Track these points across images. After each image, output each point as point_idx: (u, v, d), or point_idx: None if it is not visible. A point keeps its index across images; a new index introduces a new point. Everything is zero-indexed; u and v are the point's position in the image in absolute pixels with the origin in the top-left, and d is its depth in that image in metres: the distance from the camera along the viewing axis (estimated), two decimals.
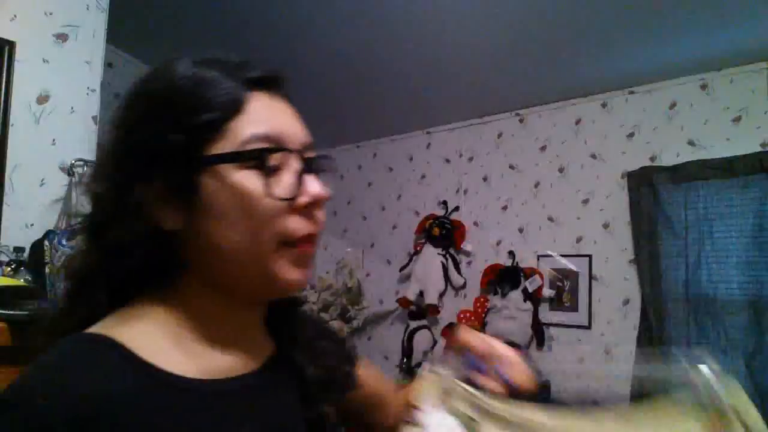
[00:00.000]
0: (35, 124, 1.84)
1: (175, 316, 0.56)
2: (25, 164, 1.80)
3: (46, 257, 1.67)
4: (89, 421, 0.46)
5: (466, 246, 3.63)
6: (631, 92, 3.09)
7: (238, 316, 0.60)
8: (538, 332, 3.18)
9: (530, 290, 3.18)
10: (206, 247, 0.55)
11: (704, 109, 2.84)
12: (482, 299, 3.43)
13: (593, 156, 3.21)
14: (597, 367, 3.04)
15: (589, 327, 3.09)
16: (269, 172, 0.54)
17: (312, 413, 0.62)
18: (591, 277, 3.12)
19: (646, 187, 2.92)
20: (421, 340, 3.64)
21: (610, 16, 2.52)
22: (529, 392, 0.63)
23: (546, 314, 3.23)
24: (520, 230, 3.44)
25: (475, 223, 3.67)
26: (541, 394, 0.65)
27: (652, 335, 2.81)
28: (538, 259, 3.33)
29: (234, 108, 0.55)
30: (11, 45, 1.78)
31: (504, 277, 3.30)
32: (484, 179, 3.67)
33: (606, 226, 3.11)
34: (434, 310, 3.62)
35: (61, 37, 1.91)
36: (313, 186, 0.57)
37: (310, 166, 0.59)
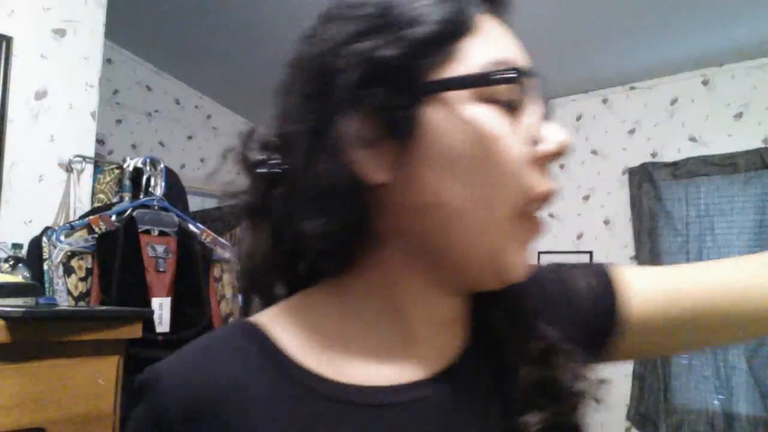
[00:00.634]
0: (33, 120, 1.83)
1: (348, 306, 0.45)
2: (24, 160, 1.80)
3: (45, 254, 1.66)
4: (206, 409, 0.41)
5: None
6: (632, 88, 3.08)
7: (430, 308, 0.45)
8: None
9: None
10: (419, 210, 0.41)
11: (705, 105, 2.83)
12: None
13: (594, 152, 3.20)
14: None
15: None
16: (514, 109, 0.40)
17: (514, 426, 0.44)
18: None
19: (647, 183, 2.91)
20: None
21: (611, 12, 2.51)
22: None
23: None
24: None
25: None
26: None
27: None
28: (538, 256, 3.32)
29: (465, 26, 0.41)
30: (9, 40, 1.78)
31: None
32: None
33: (607, 222, 3.11)
34: None
35: (60, 33, 1.90)
36: (558, 132, 0.42)
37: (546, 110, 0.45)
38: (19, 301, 1.33)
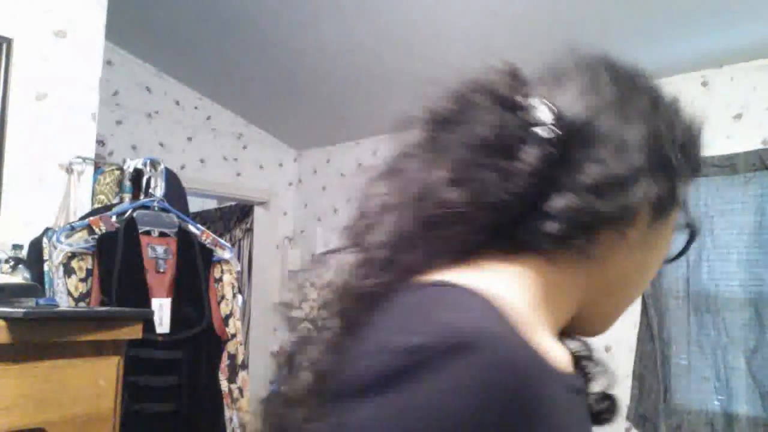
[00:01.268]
0: (34, 121, 1.83)
1: (542, 284, 0.48)
2: (24, 162, 1.80)
3: (45, 255, 1.67)
4: (524, 374, 0.38)
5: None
6: None
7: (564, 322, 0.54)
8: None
9: None
10: (606, 277, 0.52)
11: (705, 106, 2.82)
12: None
13: None
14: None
15: None
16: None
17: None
18: None
19: None
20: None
21: (610, 13, 2.51)
22: None
23: None
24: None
25: None
26: None
27: (652, 332, 2.80)
28: None
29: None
30: (9, 42, 1.78)
31: None
32: None
33: None
34: None
35: (60, 35, 1.90)
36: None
37: None
38: (20, 301, 1.34)
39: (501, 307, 0.41)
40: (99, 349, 1.38)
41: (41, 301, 1.42)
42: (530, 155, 0.46)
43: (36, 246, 1.69)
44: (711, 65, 2.80)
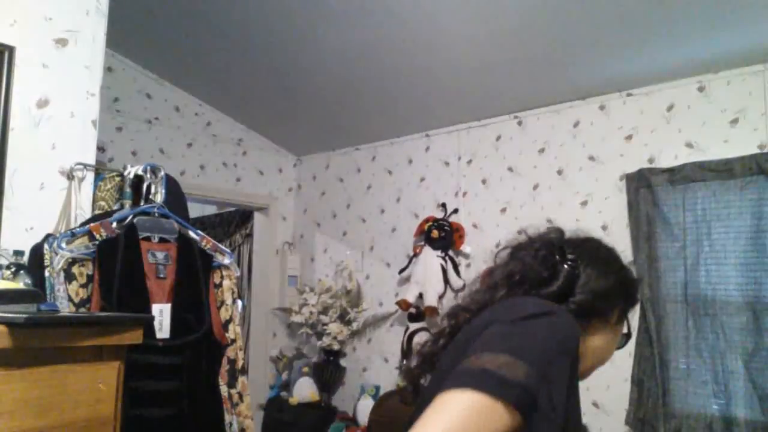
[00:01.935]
0: (35, 128, 1.85)
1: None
2: (25, 168, 1.81)
3: (46, 260, 1.68)
4: (578, 343, 0.81)
5: (465, 248, 3.64)
6: (629, 95, 3.10)
7: None
8: None
9: None
10: (594, 342, 0.99)
11: (702, 111, 2.85)
12: None
13: (591, 158, 3.22)
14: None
15: None
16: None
17: None
18: None
19: (644, 189, 2.93)
20: (421, 342, 3.64)
21: (608, 19, 2.53)
22: None
23: None
24: (519, 233, 3.43)
25: (474, 226, 3.67)
26: None
27: (651, 336, 2.81)
28: None
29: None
30: (11, 50, 1.80)
31: None
32: (483, 182, 3.68)
33: (604, 228, 3.12)
34: (433, 312, 3.62)
35: (61, 42, 1.92)
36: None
37: None
38: (21, 307, 1.35)
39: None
40: (99, 354, 1.38)
41: (42, 307, 1.43)
42: (563, 271, 0.95)
43: (37, 252, 1.70)
44: (708, 70, 2.82)
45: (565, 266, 0.95)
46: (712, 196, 2.73)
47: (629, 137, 3.09)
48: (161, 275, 1.88)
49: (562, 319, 0.80)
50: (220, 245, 2.10)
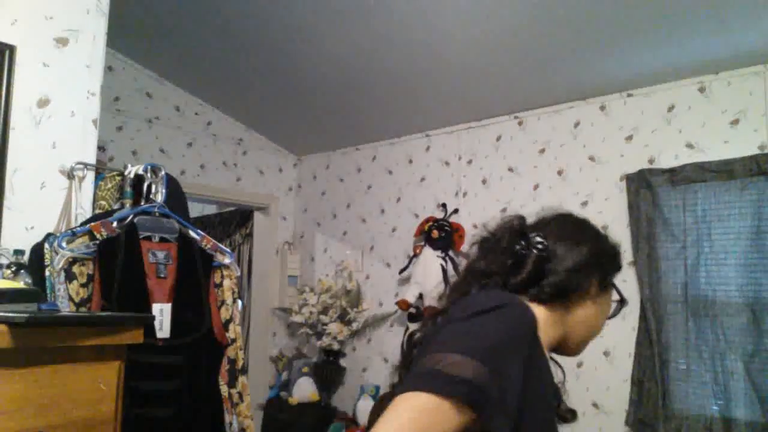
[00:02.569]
0: (35, 127, 1.85)
1: (544, 317, 0.94)
2: (26, 167, 1.81)
3: (46, 260, 1.68)
4: (536, 332, 0.84)
5: (466, 248, 3.64)
6: (630, 95, 3.10)
7: (555, 343, 1.00)
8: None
9: None
10: (578, 317, 0.98)
11: (702, 111, 2.85)
12: None
13: (592, 158, 3.21)
14: (596, 368, 3.05)
15: None
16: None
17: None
18: None
19: (645, 190, 2.92)
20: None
21: (609, 19, 2.53)
22: None
23: None
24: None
25: (475, 226, 3.67)
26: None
27: (651, 337, 2.81)
28: None
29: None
30: (12, 49, 1.79)
31: None
32: (483, 182, 3.68)
33: (605, 228, 3.12)
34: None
35: (62, 41, 1.92)
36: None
37: None
38: (21, 306, 1.35)
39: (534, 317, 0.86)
40: (100, 354, 1.38)
41: (43, 306, 1.43)
42: (530, 256, 0.94)
43: (37, 251, 1.70)
44: (708, 71, 2.82)
45: (533, 251, 0.94)
46: (712, 196, 2.73)
47: (630, 138, 3.09)
48: (162, 275, 1.88)
49: (514, 311, 0.80)
50: (220, 245, 2.10)
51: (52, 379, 1.28)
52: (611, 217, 3.09)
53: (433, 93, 3.50)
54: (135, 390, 1.65)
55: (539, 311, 0.92)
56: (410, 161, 4.10)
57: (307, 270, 4.68)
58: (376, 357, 4.12)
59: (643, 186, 2.93)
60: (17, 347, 1.22)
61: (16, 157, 1.79)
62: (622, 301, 1.04)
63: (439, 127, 3.91)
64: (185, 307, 1.90)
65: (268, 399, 4.24)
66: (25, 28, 1.84)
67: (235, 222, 5.17)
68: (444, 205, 3.81)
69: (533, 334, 0.82)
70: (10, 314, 1.23)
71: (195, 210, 4.05)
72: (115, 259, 1.76)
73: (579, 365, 3.10)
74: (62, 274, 1.66)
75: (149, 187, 1.95)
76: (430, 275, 3.61)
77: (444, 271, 3.61)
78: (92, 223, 1.78)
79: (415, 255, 3.78)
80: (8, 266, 1.59)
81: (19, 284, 1.50)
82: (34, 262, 1.68)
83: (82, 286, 1.70)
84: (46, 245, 1.70)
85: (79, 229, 1.76)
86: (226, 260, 2.09)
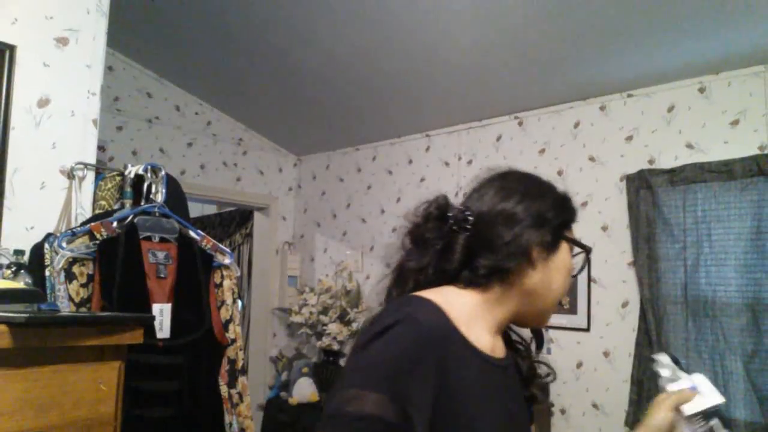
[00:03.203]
0: (36, 127, 1.85)
1: (477, 303, 0.86)
2: (26, 167, 1.81)
3: (47, 260, 1.68)
4: (441, 340, 0.76)
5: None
6: (630, 95, 3.10)
7: (505, 323, 0.92)
8: (537, 335, 3.18)
9: None
10: (536, 285, 0.88)
11: (702, 112, 2.85)
12: None
13: (592, 159, 3.22)
14: (596, 369, 3.05)
15: (588, 329, 3.10)
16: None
17: (526, 393, 0.96)
18: (590, 280, 3.13)
19: (645, 190, 2.93)
20: None
21: (609, 19, 2.53)
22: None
23: None
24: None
25: None
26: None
27: (651, 337, 2.81)
28: None
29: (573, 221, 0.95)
30: (12, 49, 1.80)
31: None
32: None
33: (605, 228, 3.12)
34: None
35: (62, 41, 1.92)
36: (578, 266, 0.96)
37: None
38: (21, 306, 1.35)
39: (442, 307, 0.80)
40: (100, 354, 1.38)
41: (43, 306, 1.43)
42: (457, 240, 0.88)
43: (37, 251, 1.70)
44: (708, 71, 2.82)
45: (460, 231, 0.87)
46: (712, 197, 2.73)
47: (630, 138, 3.09)
48: (162, 275, 1.88)
49: (406, 328, 0.74)
50: (220, 245, 2.10)
51: (52, 379, 1.28)
52: (611, 217, 3.09)
53: (433, 93, 3.50)
54: (135, 390, 1.65)
55: (470, 298, 0.85)
56: (410, 161, 4.10)
57: (307, 270, 4.68)
58: None
59: (643, 186, 2.93)
60: (17, 347, 1.22)
61: (16, 157, 1.79)
62: (586, 251, 0.94)
63: (439, 127, 3.91)
64: (185, 307, 1.90)
65: (267, 399, 4.24)
66: (25, 28, 1.84)
67: (235, 222, 5.17)
68: None
69: (439, 342, 0.76)
70: (10, 314, 1.23)
71: (195, 210, 4.04)
72: (115, 260, 1.76)
73: (579, 365, 3.10)
74: (62, 274, 1.66)
75: (149, 187, 1.95)
76: None
77: None
78: (92, 224, 1.78)
79: None
80: (8, 266, 1.59)
81: (19, 284, 1.50)
82: (34, 262, 1.68)
83: (82, 286, 1.70)
84: (46, 245, 1.70)
85: (79, 229, 1.76)
86: (226, 260, 2.08)
